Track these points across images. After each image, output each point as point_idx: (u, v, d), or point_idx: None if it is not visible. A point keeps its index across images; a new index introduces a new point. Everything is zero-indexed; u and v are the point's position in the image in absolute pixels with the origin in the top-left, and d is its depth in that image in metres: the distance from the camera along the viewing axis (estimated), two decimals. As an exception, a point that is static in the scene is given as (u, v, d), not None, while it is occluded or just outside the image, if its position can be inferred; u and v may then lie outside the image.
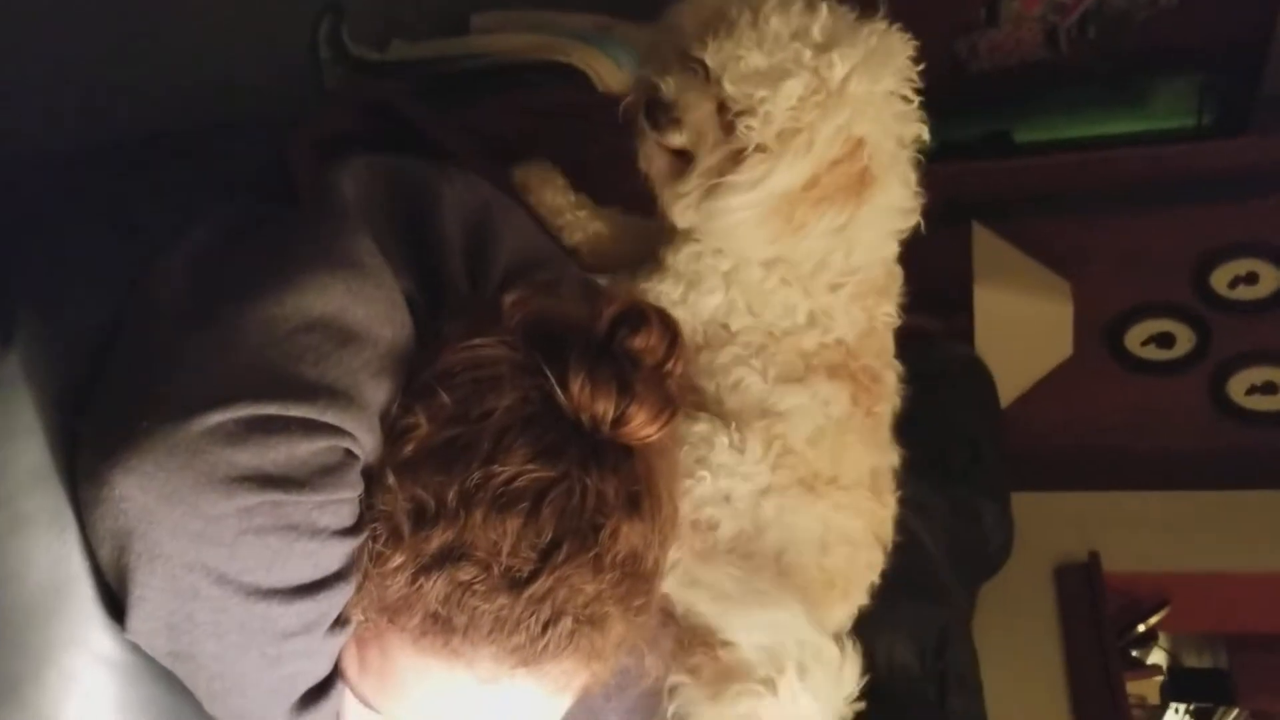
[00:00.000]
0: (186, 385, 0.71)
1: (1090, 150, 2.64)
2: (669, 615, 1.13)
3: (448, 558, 0.76)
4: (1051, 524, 2.30)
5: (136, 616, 0.72)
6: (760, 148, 1.15)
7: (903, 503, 1.72)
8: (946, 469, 1.93)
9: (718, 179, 1.17)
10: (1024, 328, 2.36)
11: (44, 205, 0.87)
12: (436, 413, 0.80)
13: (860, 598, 1.30)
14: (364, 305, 0.79)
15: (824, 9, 1.16)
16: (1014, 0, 2.88)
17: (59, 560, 0.73)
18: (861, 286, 1.25)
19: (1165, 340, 2.51)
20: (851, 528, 1.26)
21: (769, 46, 1.14)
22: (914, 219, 1.24)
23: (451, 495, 0.76)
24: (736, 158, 1.16)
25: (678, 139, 1.18)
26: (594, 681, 0.84)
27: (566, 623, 0.78)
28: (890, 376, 1.31)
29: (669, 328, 0.85)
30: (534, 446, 0.78)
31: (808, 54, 1.14)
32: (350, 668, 0.83)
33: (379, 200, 0.90)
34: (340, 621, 0.79)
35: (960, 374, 2.20)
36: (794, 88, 1.13)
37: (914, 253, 2.56)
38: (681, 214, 1.20)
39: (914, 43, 1.20)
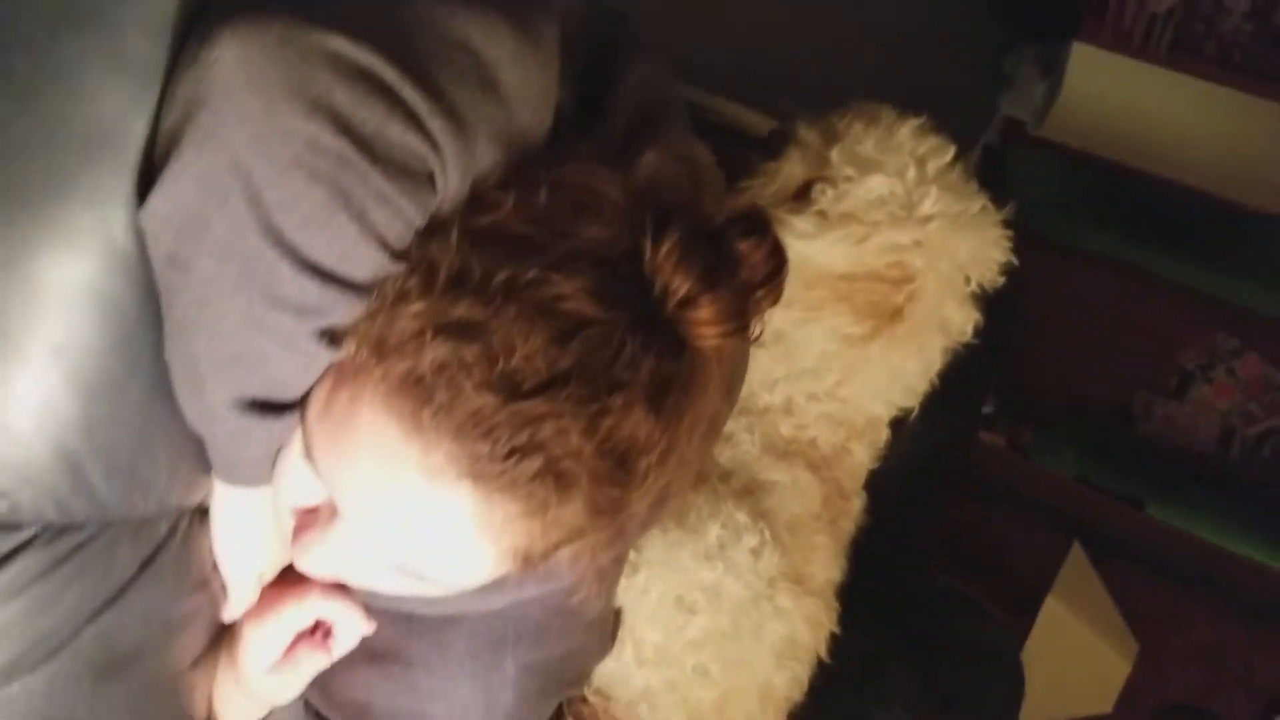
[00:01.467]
0: (335, 4, 0.70)
1: (1216, 553, 2.57)
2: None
3: (462, 330, 0.72)
4: None
5: (161, 195, 0.69)
6: (821, 214, 1.18)
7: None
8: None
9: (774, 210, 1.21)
10: (1076, 661, 2.24)
11: None
12: (527, 206, 0.77)
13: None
14: (519, 75, 0.77)
15: (953, 157, 1.23)
16: (1207, 385, 2.84)
17: (125, 114, 0.71)
18: (838, 416, 1.27)
19: (1207, 753, 2.36)
20: (805, 642, 1.20)
21: (885, 146, 1.21)
22: (914, 403, 1.29)
23: (500, 278, 0.73)
24: (797, 210, 1.21)
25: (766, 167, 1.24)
26: (527, 548, 0.78)
27: (536, 462, 0.72)
28: (857, 503, 1.33)
29: (779, 258, 0.81)
30: (596, 283, 0.74)
31: (912, 172, 1.19)
32: (314, 406, 0.78)
33: (585, 24, 0.89)
34: (333, 338, 0.75)
35: (997, 664, 2.09)
36: (878, 185, 1.19)
37: (1009, 540, 2.49)
38: None
39: (1008, 252, 1.24)
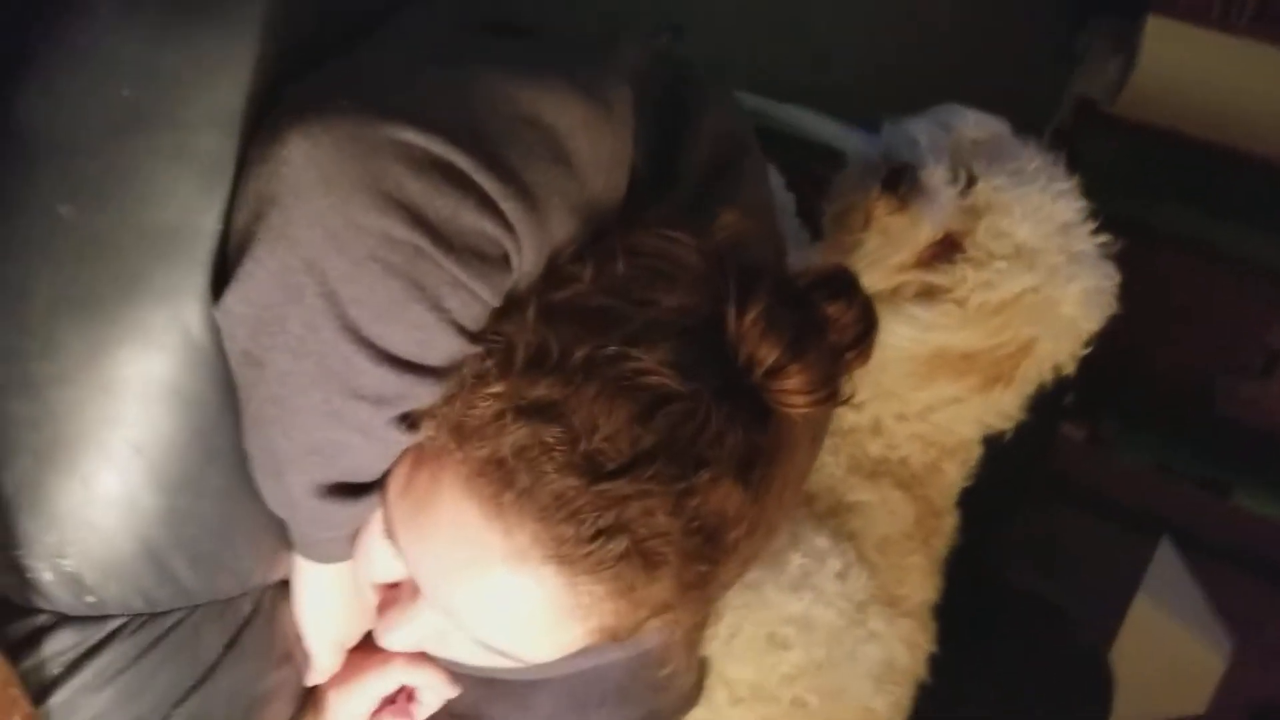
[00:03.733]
0: (400, 92, 0.68)
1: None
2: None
3: (543, 412, 0.70)
4: None
5: (235, 293, 0.68)
6: (957, 303, 1.12)
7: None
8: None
9: (899, 298, 1.15)
10: (1168, 661, 2.19)
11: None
12: (604, 277, 0.75)
13: None
14: (591, 144, 0.75)
15: (1089, 221, 1.16)
16: (1298, 361, 2.75)
17: (196, 210, 0.70)
18: (929, 437, 1.21)
19: (1307, 753, 2.29)
20: (903, 664, 1.17)
21: (1041, 230, 1.13)
22: (1009, 426, 1.23)
23: (579, 356, 0.71)
24: (931, 291, 1.14)
25: (881, 209, 1.15)
26: (614, 626, 0.76)
27: (622, 542, 0.71)
28: (950, 521, 1.27)
29: (869, 318, 0.78)
30: (678, 355, 0.72)
31: (1060, 259, 1.13)
32: (395, 485, 0.77)
33: (655, 75, 0.87)
34: (411, 423, 0.74)
35: (1084, 668, 2.04)
36: (1027, 281, 1.11)
37: (1092, 538, 2.44)
38: None
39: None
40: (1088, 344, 1.19)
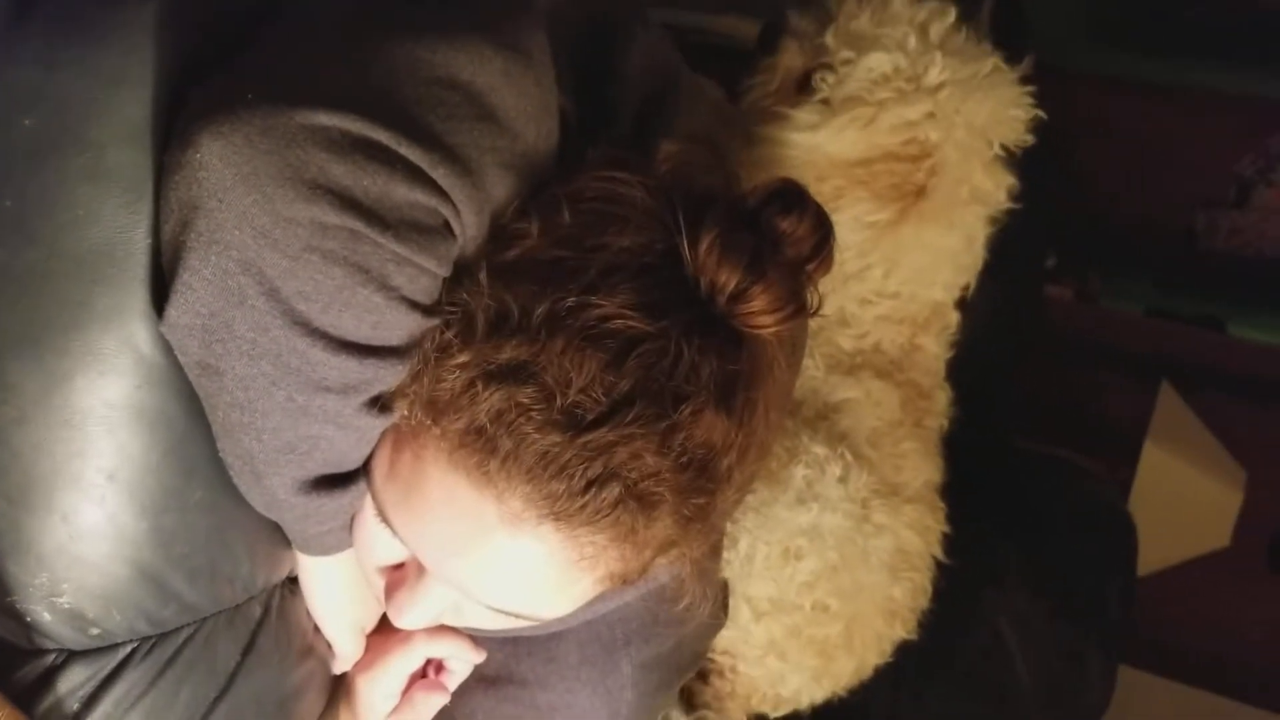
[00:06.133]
0: (307, 77, 0.67)
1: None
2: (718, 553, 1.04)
3: (513, 374, 0.69)
4: (1156, 712, 2.10)
5: (177, 306, 0.67)
6: (825, 102, 1.14)
7: (1008, 614, 1.61)
8: (1066, 603, 1.78)
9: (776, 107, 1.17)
10: (1185, 501, 2.19)
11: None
12: (552, 228, 0.73)
13: (910, 627, 1.23)
14: (515, 95, 0.73)
15: (953, 16, 1.16)
16: (1267, 189, 2.73)
17: (123, 228, 0.69)
18: (897, 314, 1.22)
19: (1333, 567, 2.31)
20: (915, 549, 1.18)
21: (881, 19, 1.14)
22: (969, 278, 1.24)
23: (540, 312, 0.70)
24: (800, 104, 1.17)
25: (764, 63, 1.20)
26: (623, 571, 0.76)
27: (614, 489, 0.70)
28: (941, 396, 1.28)
29: (823, 225, 0.77)
30: (639, 295, 0.71)
31: (913, 41, 1.13)
32: (379, 469, 0.76)
33: (570, 14, 0.84)
34: (382, 406, 0.73)
35: (1106, 521, 2.05)
36: (879, 62, 1.12)
37: (1092, 394, 2.44)
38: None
39: (1032, 108, 1.18)
40: (1012, 163, 1.18)
